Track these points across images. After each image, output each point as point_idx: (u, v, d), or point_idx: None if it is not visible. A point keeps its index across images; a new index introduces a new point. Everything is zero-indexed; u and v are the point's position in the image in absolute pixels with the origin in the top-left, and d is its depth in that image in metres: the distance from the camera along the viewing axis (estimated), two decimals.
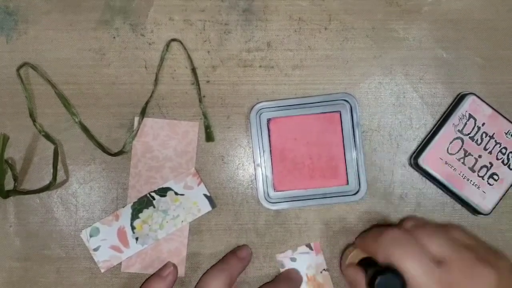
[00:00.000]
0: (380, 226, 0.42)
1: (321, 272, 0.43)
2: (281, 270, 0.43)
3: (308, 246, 0.43)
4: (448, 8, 0.44)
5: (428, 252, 0.33)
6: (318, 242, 0.43)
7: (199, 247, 0.43)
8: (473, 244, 0.35)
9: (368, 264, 0.36)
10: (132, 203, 0.43)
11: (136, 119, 0.43)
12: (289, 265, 0.43)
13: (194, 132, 0.43)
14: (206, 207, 0.43)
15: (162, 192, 0.43)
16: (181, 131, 0.43)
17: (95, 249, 0.42)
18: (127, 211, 0.43)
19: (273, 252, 0.43)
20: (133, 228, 0.43)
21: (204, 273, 0.40)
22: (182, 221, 0.43)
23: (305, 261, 0.43)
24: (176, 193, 0.43)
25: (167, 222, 0.42)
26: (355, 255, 0.39)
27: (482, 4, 0.44)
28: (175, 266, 0.41)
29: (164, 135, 0.43)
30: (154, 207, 0.43)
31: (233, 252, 0.42)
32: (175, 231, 0.43)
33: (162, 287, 0.39)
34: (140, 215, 0.42)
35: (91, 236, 0.42)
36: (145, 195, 0.43)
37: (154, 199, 0.42)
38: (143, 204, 0.42)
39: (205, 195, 0.43)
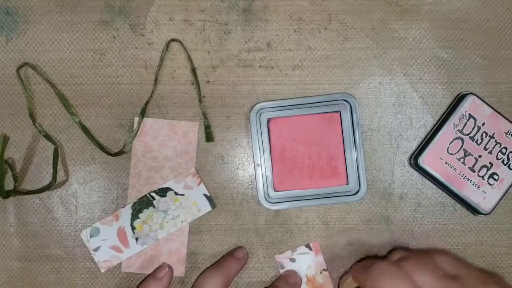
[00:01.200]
0: (371, 258, 0.42)
1: (320, 273, 0.43)
2: (281, 271, 0.43)
3: (308, 246, 0.43)
4: (448, 8, 0.44)
5: (415, 284, 0.33)
6: (317, 243, 0.43)
7: (199, 247, 0.43)
8: (461, 273, 0.35)
9: None
10: (132, 203, 0.43)
11: (136, 119, 0.43)
12: (288, 265, 0.43)
13: (194, 132, 0.43)
14: (206, 207, 0.43)
15: (162, 192, 0.43)
16: (181, 131, 0.43)
17: (95, 249, 0.42)
18: (127, 211, 0.43)
19: (273, 252, 0.43)
20: (133, 228, 0.43)
21: (200, 274, 0.40)
22: (182, 221, 0.43)
23: (305, 262, 0.43)
24: (176, 193, 0.43)
25: (167, 222, 0.42)
26: (350, 284, 0.39)
27: (482, 4, 0.44)
28: (170, 267, 0.41)
29: (164, 135, 0.43)
30: (154, 207, 0.43)
31: (230, 253, 0.42)
32: (175, 231, 0.43)
33: None
34: (140, 215, 0.42)
35: (91, 236, 0.43)
36: (145, 195, 0.43)
37: (154, 199, 0.42)
38: (143, 204, 0.42)
39: (205, 195, 0.43)
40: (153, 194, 0.43)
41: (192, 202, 0.43)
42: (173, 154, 0.43)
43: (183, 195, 0.43)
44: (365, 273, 0.36)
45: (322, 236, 0.43)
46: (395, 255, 0.39)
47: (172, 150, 0.43)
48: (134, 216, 0.42)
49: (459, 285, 0.33)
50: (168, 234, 0.43)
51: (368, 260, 0.38)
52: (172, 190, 0.43)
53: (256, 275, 0.43)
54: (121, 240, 0.42)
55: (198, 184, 0.43)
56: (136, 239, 0.42)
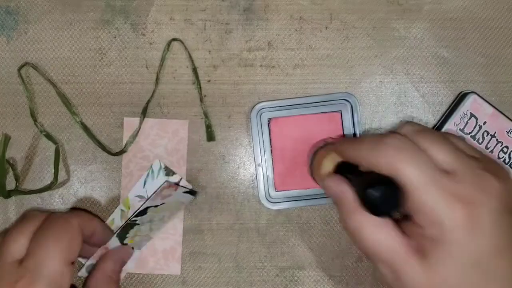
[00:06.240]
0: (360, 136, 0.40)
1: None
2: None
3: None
4: (449, 7, 0.44)
5: (433, 160, 0.30)
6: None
7: (200, 247, 0.43)
8: (477, 155, 0.32)
9: (346, 169, 0.33)
10: (116, 234, 0.40)
11: (125, 120, 0.43)
12: None
13: (184, 130, 0.43)
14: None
15: (142, 213, 0.40)
16: (171, 130, 0.43)
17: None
18: (114, 241, 0.41)
19: (275, 252, 0.43)
20: (125, 245, 0.41)
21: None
22: (170, 216, 0.42)
23: None
24: (156, 206, 0.40)
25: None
26: (330, 160, 0.35)
27: (483, 2, 0.44)
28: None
29: (154, 134, 0.43)
30: (138, 224, 0.41)
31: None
32: (169, 230, 0.42)
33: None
34: (127, 235, 0.41)
35: (87, 272, 0.41)
36: (127, 222, 0.40)
37: (136, 221, 0.40)
38: (127, 229, 0.40)
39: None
40: (134, 218, 0.40)
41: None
42: (164, 153, 0.43)
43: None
44: (374, 149, 0.31)
45: (323, 235, 0.43)
46: (405, 128, 0.34)
47: (163, 149, 0.43)
48: (123, 239, 0.41)
49: (481, 165, 0.30)
50: (160, 231, 0.42)
51: (370, 137, 0.33)
52: (150, 206, 0.40)
53: (257, 275, 0.43)
54: None
55: (176, 190, 0.40)
56: (132, 248, 0.42)
